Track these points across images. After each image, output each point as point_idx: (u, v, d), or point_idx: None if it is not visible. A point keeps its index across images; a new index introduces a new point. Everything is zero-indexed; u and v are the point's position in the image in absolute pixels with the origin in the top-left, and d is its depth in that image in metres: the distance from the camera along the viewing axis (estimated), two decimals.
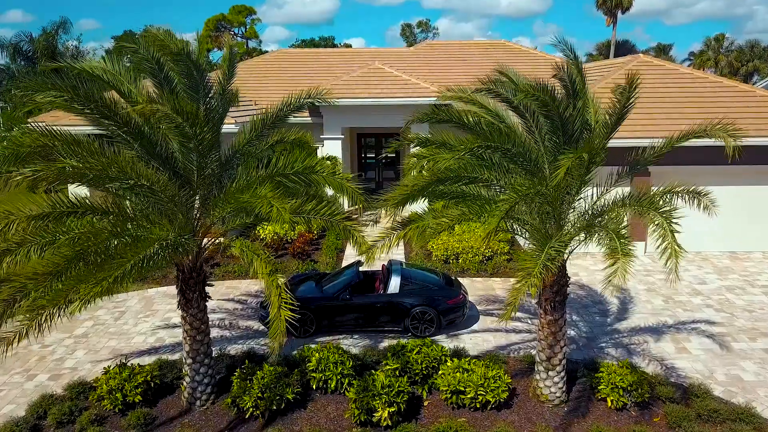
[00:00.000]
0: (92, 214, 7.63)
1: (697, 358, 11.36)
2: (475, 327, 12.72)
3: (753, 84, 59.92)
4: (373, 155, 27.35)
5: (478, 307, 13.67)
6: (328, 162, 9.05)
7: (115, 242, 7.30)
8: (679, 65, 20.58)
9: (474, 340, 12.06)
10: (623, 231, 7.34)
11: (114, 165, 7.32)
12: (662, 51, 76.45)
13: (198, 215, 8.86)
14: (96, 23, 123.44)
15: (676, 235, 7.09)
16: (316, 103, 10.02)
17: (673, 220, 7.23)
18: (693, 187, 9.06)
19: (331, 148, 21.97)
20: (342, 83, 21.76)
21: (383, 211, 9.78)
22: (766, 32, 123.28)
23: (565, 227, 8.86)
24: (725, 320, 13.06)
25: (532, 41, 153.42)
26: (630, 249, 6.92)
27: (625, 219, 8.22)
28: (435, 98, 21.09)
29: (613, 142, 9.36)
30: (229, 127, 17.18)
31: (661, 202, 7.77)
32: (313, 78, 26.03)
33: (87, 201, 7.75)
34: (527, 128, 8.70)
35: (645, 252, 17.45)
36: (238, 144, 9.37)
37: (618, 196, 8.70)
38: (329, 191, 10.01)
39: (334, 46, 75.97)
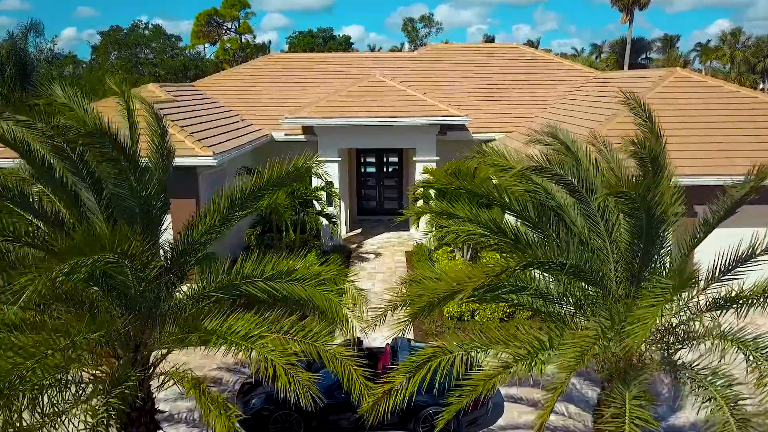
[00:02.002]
0: None
1: None
2: (501, 422, 10.41)
3: None
4: (374, 169, 24.88)
5: (502, 390, 11.36)
6: (314, 266, 6.64)
7: None
8: (723, 81, 18.14)
9: None
10: (739, 396, 5.00)
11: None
12: (669, 43, 73.84)
13: (140, 337, 6.53)
14: (92, 11, 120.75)
15: None
16: (305, 170, 7.66)
17: None
18: None
19: (328, 171, 19.55)
20: (339, 99, 19.33)
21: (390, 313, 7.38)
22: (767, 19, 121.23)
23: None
24: None
25: (533, 30, 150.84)
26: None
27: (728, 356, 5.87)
28: (442, 117, 18.70)
29: None
30: (205, 160, 14.80)
31: None
32: (307, 88, 23.60)
33: None
34: (588, 217, 6.33)
35: None
36: (199, 231, 7.00)
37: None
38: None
39: (333, 37, 73.15)
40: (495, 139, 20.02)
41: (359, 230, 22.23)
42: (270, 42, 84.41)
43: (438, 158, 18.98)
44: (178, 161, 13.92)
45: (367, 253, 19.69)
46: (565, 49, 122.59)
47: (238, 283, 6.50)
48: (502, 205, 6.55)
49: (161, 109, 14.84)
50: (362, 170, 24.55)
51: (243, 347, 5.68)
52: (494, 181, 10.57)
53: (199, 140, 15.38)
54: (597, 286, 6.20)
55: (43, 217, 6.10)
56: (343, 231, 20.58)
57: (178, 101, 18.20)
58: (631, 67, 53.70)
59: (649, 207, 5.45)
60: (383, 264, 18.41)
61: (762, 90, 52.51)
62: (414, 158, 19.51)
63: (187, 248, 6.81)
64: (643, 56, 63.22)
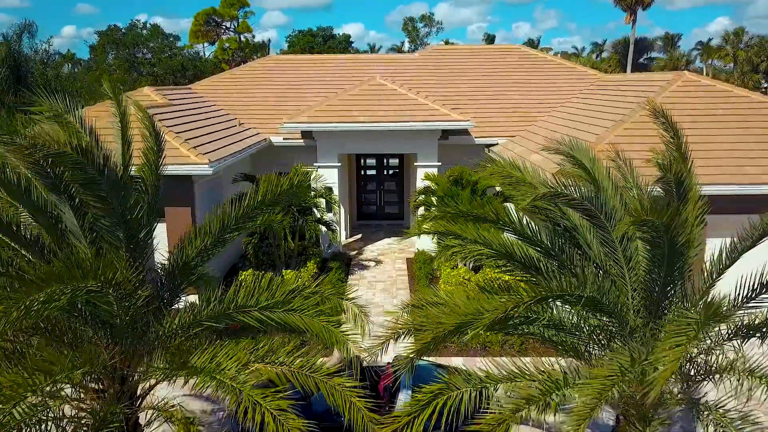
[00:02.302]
0: None
1: None
2: None
3: None
4: (374, 172, 24.44)
5: None
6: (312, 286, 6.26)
7: None
8: (732, 86, 17.70)
9: None
10: None
11: None
12: (671, 42, 73.47)
13: (127, 369, 6.14)
14: (91, 8, 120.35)
15: None
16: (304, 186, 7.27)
17: None
18: None
19: (327, 177, 19.12)
20: (338, 103, 18.90)
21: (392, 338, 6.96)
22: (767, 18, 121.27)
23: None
24: None
25: (533, 28, 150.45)
26: None
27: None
28: (444, 122, 18.28)
29: None
30: (201, 168, 14.37)
31: None
32: (305, 90, 23.17)
33: None
34: (605, 244, 5.93)
35: None
36: (190, 253, 6.61)
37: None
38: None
39: (333, 36, 72.74)
40: (498, 144, 19.61)
41: (359, 236, 21.83)
42: (269, 41, 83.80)
43: (440, 163, 18.58)
44: (173, 169, 13.57)
45: (367, 260, 19.27)
46: (566, 47, 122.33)
47: (232, 312, 6.11)
48: (513, 230, 6.16)
49: (156, 113, 14.45)
50: (362, 173, 24.13)
51: (232, 389, 5.31)
52: (497, 188, 10.08)
53: (194, 147, 14.96)
54: (614, 316, 5.80)
55: (22, 242, 5.71)
56: (342, 237, 20.17)
57: (173, 105, 17.77)
58: (634, 66, 53.27)
59: (673, 235, 5.07)
60: (384, 272, 18.00)
61: (765, 90, 52.10)
62: (415, 164, 19.09)
63: (179, 271, 6.42)
64: (646, 56, 62.74)
